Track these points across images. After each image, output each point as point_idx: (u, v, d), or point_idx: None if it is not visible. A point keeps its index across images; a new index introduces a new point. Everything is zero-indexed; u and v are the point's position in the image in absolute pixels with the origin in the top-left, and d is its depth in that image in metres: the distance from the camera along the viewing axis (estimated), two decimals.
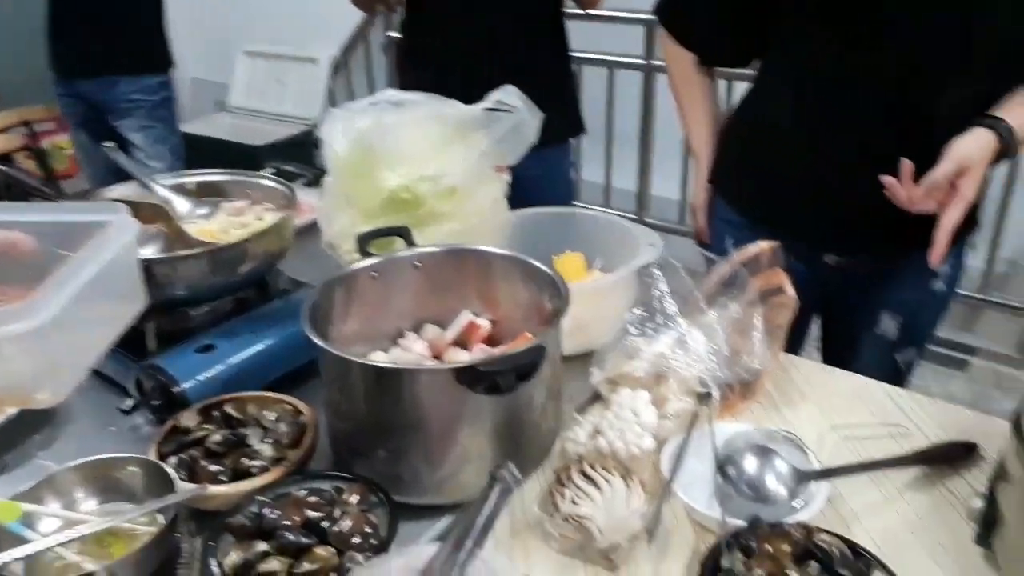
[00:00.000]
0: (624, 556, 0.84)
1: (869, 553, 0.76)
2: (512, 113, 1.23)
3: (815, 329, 1.47)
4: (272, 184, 1.34)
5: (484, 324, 1.10)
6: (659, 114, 3.23)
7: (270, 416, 0.96)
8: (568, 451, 0.95)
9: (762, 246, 1.06)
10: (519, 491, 0.94)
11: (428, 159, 1.23)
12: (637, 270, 1.11)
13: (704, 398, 1.00)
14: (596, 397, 1.06)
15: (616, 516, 0.82)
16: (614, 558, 0.83)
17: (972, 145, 1.05)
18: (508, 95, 1.24)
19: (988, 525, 0.81)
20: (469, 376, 0.81)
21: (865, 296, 1.28)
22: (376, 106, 1.28)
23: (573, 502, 0.84)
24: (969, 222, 1.21)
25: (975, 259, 2.87)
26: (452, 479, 0.89)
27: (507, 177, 1.38)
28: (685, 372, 1.01)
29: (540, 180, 1.45)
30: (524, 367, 0.83)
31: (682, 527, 0.89)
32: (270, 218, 1.28)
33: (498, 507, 0.76)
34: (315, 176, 1.59)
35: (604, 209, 2.64)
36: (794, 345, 1.35)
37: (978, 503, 0.82)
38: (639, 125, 3.33)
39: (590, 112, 3.41)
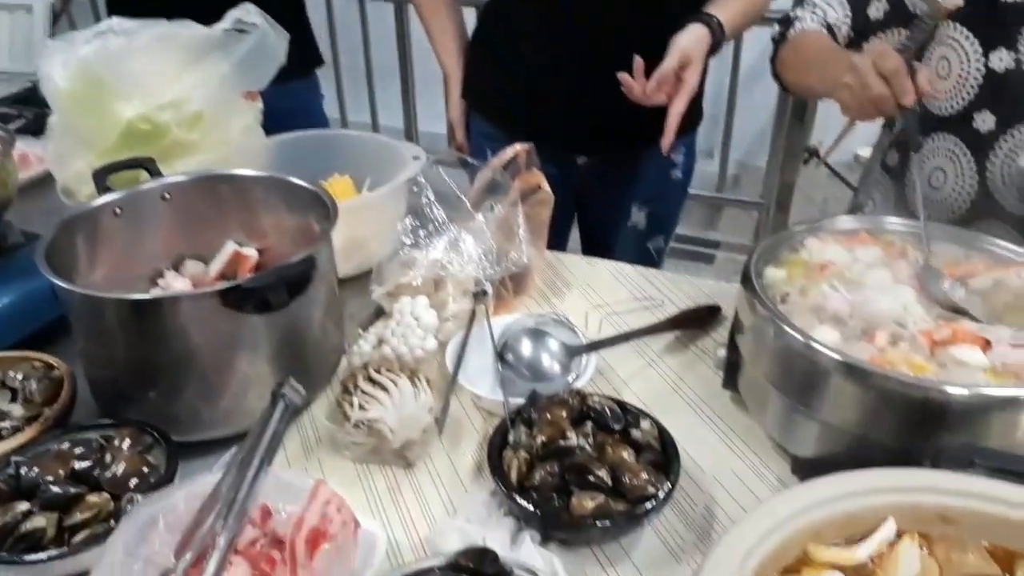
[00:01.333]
0: (419, 451, 0.86)
1: (636, 408, 0.84)
2: (253, 33, 1.17)
3: (576, 235, 1.57)
4: None
5: (250, 253, 1.05)
6: (416, 48, 3.21)
7: (16, 375, 0.87)
8: (355, 364, 0.95)
9: (517, 149, 1.11)
10: (308, 410, 0.94)
11: (165, 86, 1.14)
12: (405, 183, 1.11)
13: (480, 296, 1.03)
14: (380, 313, 1.06)
15: (406, 414, 0.84)
16: (409, 455, 0.85)
17: (691, 39, 1.16)
18: (247, 13, 1.17)
19: (731, 370, 0.92)
20: (237, 296, 0.78)
21: (615, 192, 1.39)
22: (102, 35, 1.15)
23: (362, 408, 0.84)
24: (694, 111, 1.34)
25: (711, 164, 3.19)
26: (236, 409, 0.85)
27: (259, 104, 1.32)
28: (460, 274, 1.04)
29: (293, 115, 1.39)
30: (293, 280, 0.81)
31: (471, 416, 0.93)
32: None
33: (283, 423, 0.75)
34: (36, 118, 1.42)
35: None
36: (559, 242, 1.43)
37: (722, 353, 0.94)
38: (397, 59, 3.29)
39: (346, 48, 3.33)
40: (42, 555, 0.67)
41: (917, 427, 0.71)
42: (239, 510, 0.67)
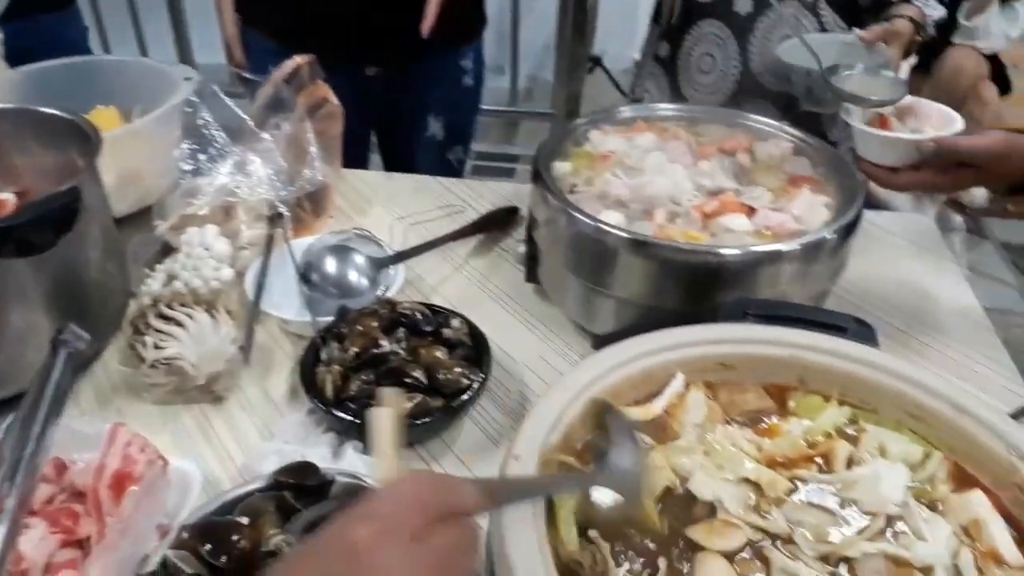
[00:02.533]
0: (226, 384, 0.83)
1: (446, 308, 0.86)
2: None
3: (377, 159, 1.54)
4: None
5: (7, 197, 0.94)
6: None
7: None
8: (144, 304, 0.89)
9: (298, 60, 1.05)
10: (98, 358, 0.87)
11: None
12: (177, 106, 1.03)
13: (275, 220, 0.99)
14: (168, 249, 0.99)
15: (207, 347, 0.80)
16: (217, 389, 0.82)
17: None
18: None
19: (531, 264, 0.96)
20: None
21: (410, 103, 1.36)
22: None
23: (157, 347, 0.79)
24: (477, 17, 1.34)
25: (503, 80, 3.23)
26: (15, 364, 0.77)
27: None
28: (251, 199, 0.99)
29: (49, 54, 1.22)
30: (55, 216, 0.74)
31: (281, 343, 0.90)
32: None
33: (67, 372, 0.69)
34: None
35: None
36: (359, 162, 1.40)
37: (522, 248, 0.97)
38: None
39: None
40: None
41: (698, 290, 0.77)
42: (27, 469, 0.62)
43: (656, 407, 0.64)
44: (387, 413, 0.51)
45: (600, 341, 0.87)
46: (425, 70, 1.36)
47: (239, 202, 0.99)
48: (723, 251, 0.75)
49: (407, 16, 1.16)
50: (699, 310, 0.74)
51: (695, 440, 0.61)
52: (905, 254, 1.08)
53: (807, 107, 1.13)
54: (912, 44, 0.99)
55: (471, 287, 1.00)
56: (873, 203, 1.38)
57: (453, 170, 1.47)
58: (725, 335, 0.67)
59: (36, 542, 0.63)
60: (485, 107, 3.30)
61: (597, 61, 3.28)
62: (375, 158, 1.56)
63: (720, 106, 1.15)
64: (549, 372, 0.86)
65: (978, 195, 2.07)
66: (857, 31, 0.97)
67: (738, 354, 0.66)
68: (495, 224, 1.09)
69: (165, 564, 0.59)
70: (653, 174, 0.86)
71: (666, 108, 1.00)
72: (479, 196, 1.19)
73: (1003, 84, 2.33)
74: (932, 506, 0.56)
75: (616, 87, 3.19)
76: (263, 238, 0.98)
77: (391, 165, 1.49)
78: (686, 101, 1.01)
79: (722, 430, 0.62)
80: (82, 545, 0.64)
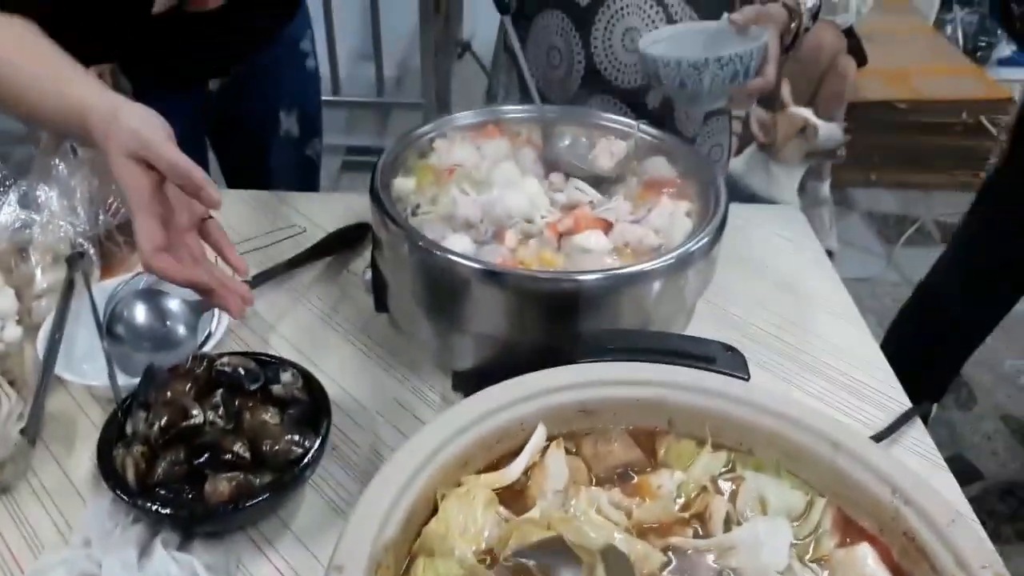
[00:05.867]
0: (13, 472, 0.69)
1: (275, 358, 0.74)
2: None
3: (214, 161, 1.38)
4: None
5: None
6: None
7: None
8: None
9: (97, 69, 0.90)
10: None
11: None
12: None
13: (76, 260, 0.85)
14: None
15: None
16: (1, 479, 0.68)
17: None
18: None
19: (379, 292, 0.85)
20: None
21: (259, 103, 1.22)
22: None
23: None
24: None
25: (369, 68, 3.07)
26: None
27: None
28: (45, 238, 0.85)
29: None
30: None
31: (87, 410, 0.77)
32: None
33: None
34: None
35: None
36: None
37: (368, 275, 0.86)
38: None
39: None
40: None
41: (557, 320, 0.69)
42: None
43: (514, 471, 0.56)
44: None
45: (460, 379, 0.78)
46: (270, 64, 1.22)
47: (31, 243, 0.85)
48: (580, 277, 0.67)
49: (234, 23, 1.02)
50: (562, 343, 0.66)
51: (557, 509, 0.53)
52: (773, 251, 1.04)
53: (682, 104, 1.07)
54: (787, 33, 0.94)
55: (315, 321, 0.89)
56: (744, 189, 1.35)
57: (313, 167, 1.34)
58: (584, 377, 0.59)
59: None
60: (352, 98, 3.15)
61: (465, 46, 3.17)
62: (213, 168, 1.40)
63: (571, 103, 1.07)
64: (406, 419, 0.77)
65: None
66: (728, 15, 0.90)
67: (599, 398, 0.59)
68: (342, 244, 0.98)
69: None
70: (504, 188, 0.77)
71: (517, 110, 0.91)
72: (325, 210, 1.07)
73: (860, 57, 2.38)
74: (819, 564, 0.50)
75: (486, 74, 3.09)
76: (62, 283, 0.84)
77: (234, 178, 1.33)
78: (542, 98, 0.92)
79: (586, 495, 0.54)
80: None
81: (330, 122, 1.45)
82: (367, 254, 0.98)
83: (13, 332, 0.76)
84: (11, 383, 0.72)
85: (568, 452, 0.57)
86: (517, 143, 0.86)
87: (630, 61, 1.03)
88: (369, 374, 0.82)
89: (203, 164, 1.33)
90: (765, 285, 0.97)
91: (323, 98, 1.37)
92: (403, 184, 0.80)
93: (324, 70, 2.57)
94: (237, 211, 1.06)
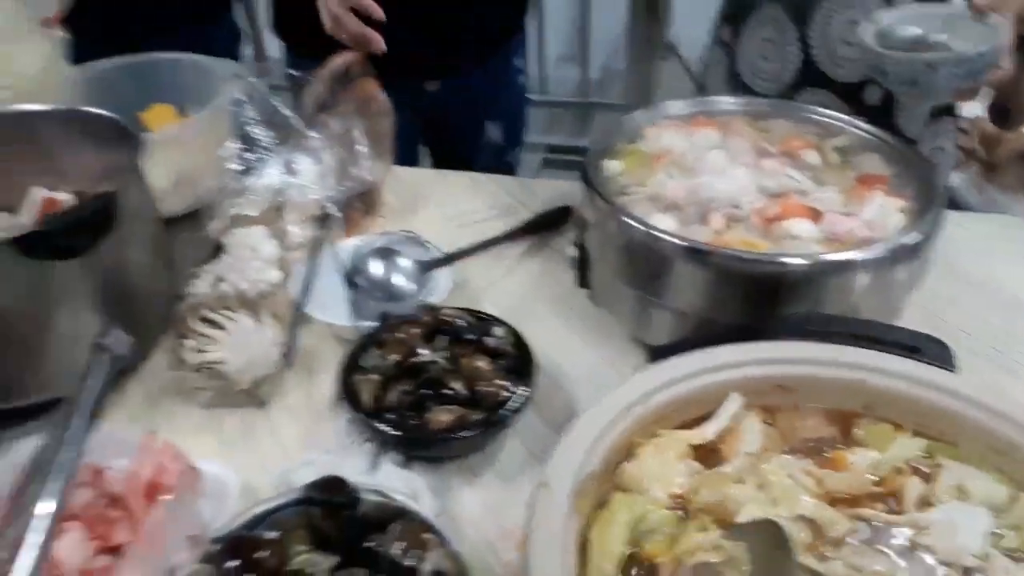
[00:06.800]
0: (270, 389, 0.82)
1: (490, 316, 0.82)
2: None
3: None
4: None
5: (65, 198, 0.95)
6: None
7: None
8: (189, 307, 0.89)
9: (346, 57, 1.03)
10: (146, 360, 0.88)
11: None
12: (225, 104, 1.02)
13: (325, 220, 0.98)
14: (218, 250, 0.99)
15: (250, 352, 0.79)
16: (260, 393, 0.81)
17: None
18: None
19: (583, 269, 0.91)
20: (33, 243, 0.70)
21: (470, 112, 1.33)
22: None
23: (200, 351, 0.78)
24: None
25: (574, 70, 3.16)
26: (60, 368, 0.78)
27: (60, 32, 1.18)
28: (300, 199, 0.98)
29: None
30: (94, 220, 0.73)
31: (325, 346, 0.89)
32: None
33: (108, 375, 0.69)
34: None
35: None
36: (411, 158, 1.37)
37: (573, 252, 0.92)
38: None
39: None
40: None
41: (759, 302, 0.72)
42: (65, 473, 0.62)
43: (707, 432, 0.59)
44: None
45: (655, 353, 0.82)
46: (486, 75, 1.32)
47: (288, 203, 0.98)
48: (787, 260, 0.69)
49: (468, 24, 1.12)
50: (761, 324, 0.68)
51: (748, 470, 0.56)
52: (993, 261, 0.99)
53: (908, 100, 1.03)
54: None
55: (521, 292, 0.96)
56: (962, 204, 1.27)
57: (511, 171, 1.44)
58: (784, 354, 0.62)
59: (72, 547, 0.63)
60: (555, 99, 3.25)
61: (672, 48, 3.18)
62: (426, 152, 1.53)
63: (781, 97, 1.07)
64: (600, 386, 0.82)
65: None
66: None
67: (798, 375, 0.61)
68: (548, 225, 1.05)
69: None
70: (712, 175, 0.80)
71: (728, 102, 0.93)
72: (533, 195, 1.15)
73: None
74: (1017, 556, 0.50)
75: (691, 76, 3.08)
76: (312, 239, 0.97)
77: (443, 166, 1.46)
78: (750, 91, 0.93)
79: (778, 460, 0.56)
80: (116, 552, 0.63)
81: (533, 120, 1.54)
82: (569, 235, 1.05)
83: (274, 275, 0.90)
84: (273, 316, 0.85)
85: (763, 422, 0.60)
86: (727, 133, 0.89)
87: (850, 55, 1.01)
88: (569, 342, 0.88)
89: (413, 154, 1.46)
90: (983, 297, 0.93)
91: (527, 95, 1.45)
92: (612, 166, 0.86)
93: (532, 70, 2.69)
94: (456, 190, 1.16)
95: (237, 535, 0.61)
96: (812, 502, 0.53)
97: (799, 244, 0.73)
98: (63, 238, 0.70)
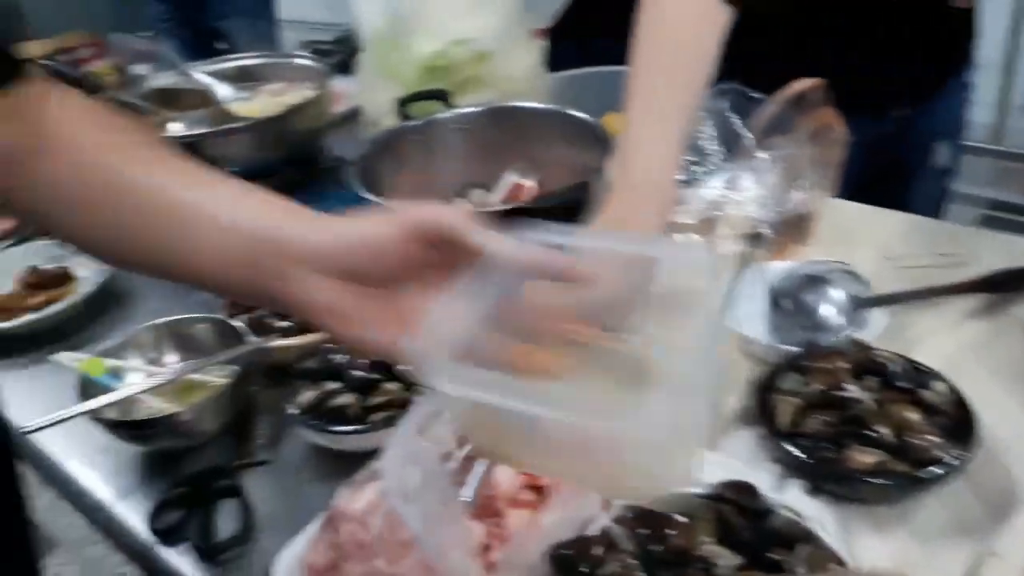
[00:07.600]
0: None
1: (930, 368, 0.76)
2: None
3: None
4: (306, 63, 1.34)
5: (530, 184, 1.10)
6: None
7: None
8: None
9: (807, 83, 1.03)
10: None
11: (456, 21, 1.22)
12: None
13: (755, 239, 0.99)
14: None
15: None
16: None
17: None
18: None
19: None
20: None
21: (923, 135, 1.24)
22: None
23: None
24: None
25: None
26: None
27: (542, 42, 1.36)
28: (735, 215, 1.01)
29: None
30: (568, 204, 0.84)
31: (738, 361, 0.90)
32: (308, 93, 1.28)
33: None
34: (348, 54, 1.56)
35: None
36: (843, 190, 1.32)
37: None
38: None
39: None
40: (347, 428, 0.76)
41: None
42: None
43: None
44: None
45: None
46: (944, 95, 1.23)
47: (723, 217, 1.02)
48: None
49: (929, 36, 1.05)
50: None
51: None
52: None
53: None
54: None
55: (963, 351, 0.87)
56: None
57: (944, 198, 1.31)
58: None
59: (507, 477, 0.73)
60: (1011, 149, 2.87)
61: None
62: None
63: None
64: None
65: None
66: None
67: None
68: (1006, 285, 0.94)
69: (604, 533, 0.63)
70: None
71: None
72: (985, 247, 1.03)
73: None
74: None
75: None
76: (738, 255, 0.99)
77: (874, 195, 1.37)
78: None
79: None
80: (540, 492, 0.72)
81: (979, 171, 1.39)
82: None
83: None
84: None
85: None
86: None
87: None
88: (1015, 416, 0.78)
89: (849, 187, 1.39)
90: None
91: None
92: None
93: (988, 118, 2.41)
94: (892, 229, 1.10)
95: (648, 508, 0.65)
96: None
97: None
98: (544, 213, 0.81)
